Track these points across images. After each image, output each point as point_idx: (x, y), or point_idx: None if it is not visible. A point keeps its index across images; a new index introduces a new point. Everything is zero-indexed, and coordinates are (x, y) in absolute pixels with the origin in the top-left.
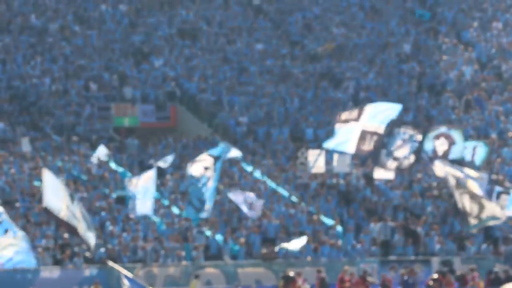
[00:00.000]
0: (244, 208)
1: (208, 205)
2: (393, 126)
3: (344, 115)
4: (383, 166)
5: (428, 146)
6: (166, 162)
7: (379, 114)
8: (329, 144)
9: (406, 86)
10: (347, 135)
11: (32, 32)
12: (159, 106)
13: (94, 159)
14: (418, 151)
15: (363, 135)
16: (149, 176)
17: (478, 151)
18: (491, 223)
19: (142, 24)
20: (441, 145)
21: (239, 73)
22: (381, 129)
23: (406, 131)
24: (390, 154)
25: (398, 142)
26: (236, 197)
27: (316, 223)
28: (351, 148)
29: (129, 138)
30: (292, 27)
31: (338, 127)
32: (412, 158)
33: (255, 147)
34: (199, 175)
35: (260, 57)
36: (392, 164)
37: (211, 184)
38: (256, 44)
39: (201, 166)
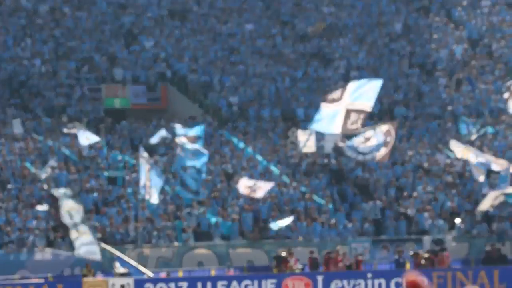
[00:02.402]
0: (247, 191)
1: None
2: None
3: (329, 96)
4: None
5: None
6: (156, 137)
7: (363, 92)
8: (315, 125)
9: (397, 65)
10: (332, 115)
11: (22, 14)
12: (150, 87)
13: (83, 141)
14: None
15: (348, 114)
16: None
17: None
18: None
19: (132, 5)
20: None
21: (230, 53)
22: (367, 107)
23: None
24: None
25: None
26: (242, 185)
27: (308, 201)
28: (336, 129)
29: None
30: (282, 7)
31: (323, 107)
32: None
33: (246, 127)
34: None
35: (251, 37)
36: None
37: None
38: (246, 24)
39: (188, 146)
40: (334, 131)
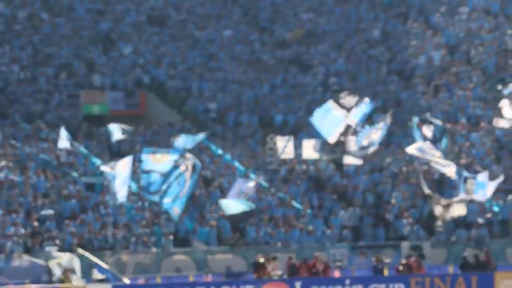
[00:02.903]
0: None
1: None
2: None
3: (342, 99)
4: (351, 153)
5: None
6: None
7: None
8: (315, 120)
9: (375, 71)
10: (334, 122)
11: (1, 20)
12: (128, 93)
13: (60, 145)
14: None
15: (346, 129)
16: (125, 163)
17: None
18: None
19: (111, 11)
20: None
21: (208, 59)
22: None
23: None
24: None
25: (370, 130)
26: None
27: (286, 207)
28: (332, 138)
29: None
30: (261, 13)
31: (332, 106)
32: (376, 145)
33: (224, 133)
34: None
35: (229, 43)
36: (360, 151)
37: (187, 181)
38: (224, 30)
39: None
40: (328, 139)
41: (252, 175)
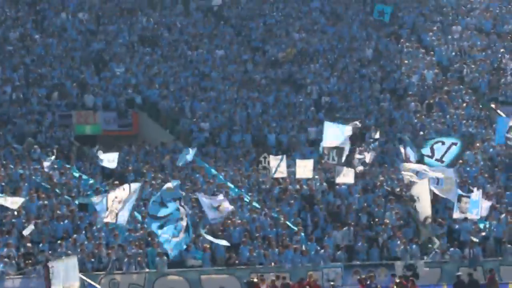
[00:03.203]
0: (210, 213)
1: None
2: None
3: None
4: (344, 171)
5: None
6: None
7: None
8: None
9: (368, 90)
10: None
11: None
12: (121, 114)
13: (50, 165)
14: (379, 155)
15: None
16: (133, 189)
17: (451, 149)
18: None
19: (103, 31)
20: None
21: (201, 79)
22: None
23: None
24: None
25: (362, 147)
26: (204, 200)
27: (280, 227)
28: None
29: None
30: (253, 33)
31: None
32: (370, 160)
33: (217, 153)
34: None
35: (221, 63)
36: (351, 169)
37: (184, 223)
38: (217, 50)
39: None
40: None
41: (244, 195)
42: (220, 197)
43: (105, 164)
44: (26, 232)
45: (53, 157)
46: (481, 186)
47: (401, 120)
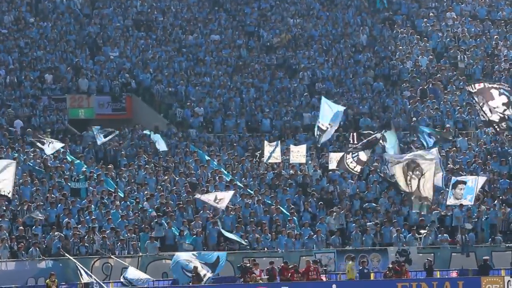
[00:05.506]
0: (213, 203)
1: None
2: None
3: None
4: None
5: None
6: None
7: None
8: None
9: (362, 76)
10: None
11: None
12: (115, 98)
13: (47, 151)
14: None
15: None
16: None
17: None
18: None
19: (97, 15)
20: None
21: (195, 64)
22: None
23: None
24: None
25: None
26: (205, 198)
27: (273, 213)
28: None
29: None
30: (248, 18)
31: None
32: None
33: (211, 138)
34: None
35: (216, 48)
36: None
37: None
38: (211, 35)
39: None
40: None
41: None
42: (214, 195)
43: (100, 138)
44: (34, 215)
45: (59, 144)
46: (474, 172)
47: (395, 106)
